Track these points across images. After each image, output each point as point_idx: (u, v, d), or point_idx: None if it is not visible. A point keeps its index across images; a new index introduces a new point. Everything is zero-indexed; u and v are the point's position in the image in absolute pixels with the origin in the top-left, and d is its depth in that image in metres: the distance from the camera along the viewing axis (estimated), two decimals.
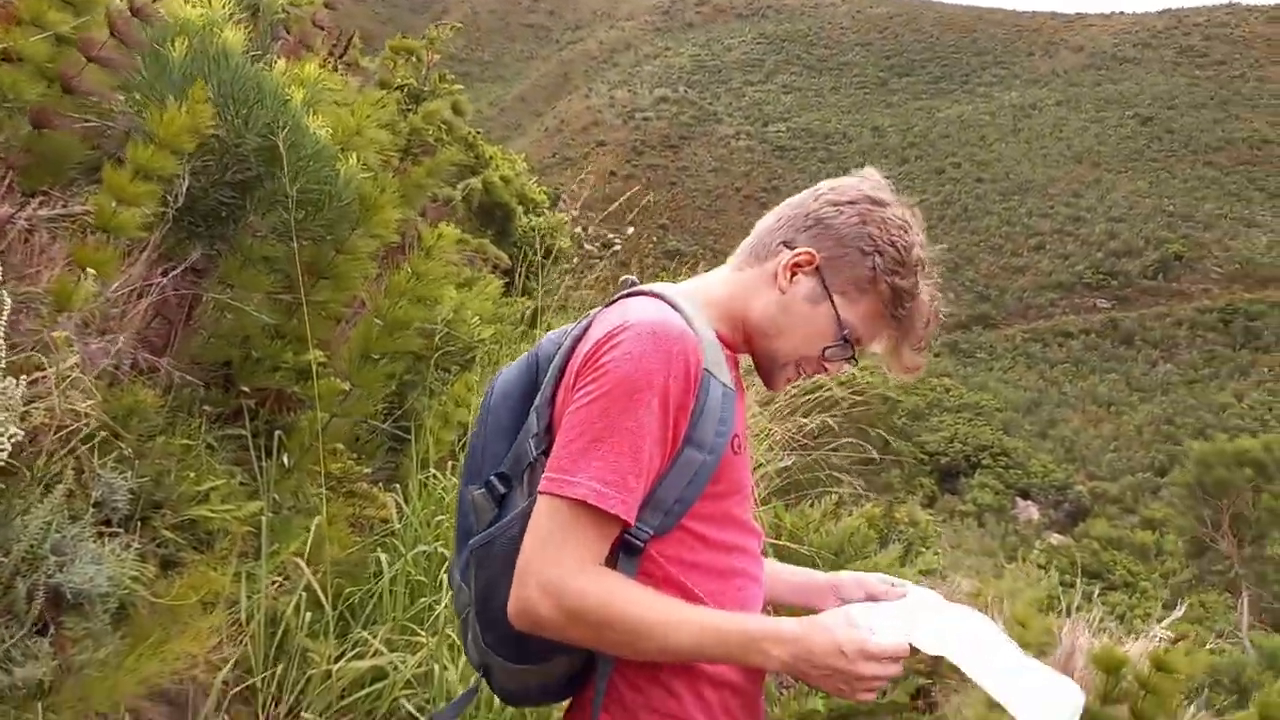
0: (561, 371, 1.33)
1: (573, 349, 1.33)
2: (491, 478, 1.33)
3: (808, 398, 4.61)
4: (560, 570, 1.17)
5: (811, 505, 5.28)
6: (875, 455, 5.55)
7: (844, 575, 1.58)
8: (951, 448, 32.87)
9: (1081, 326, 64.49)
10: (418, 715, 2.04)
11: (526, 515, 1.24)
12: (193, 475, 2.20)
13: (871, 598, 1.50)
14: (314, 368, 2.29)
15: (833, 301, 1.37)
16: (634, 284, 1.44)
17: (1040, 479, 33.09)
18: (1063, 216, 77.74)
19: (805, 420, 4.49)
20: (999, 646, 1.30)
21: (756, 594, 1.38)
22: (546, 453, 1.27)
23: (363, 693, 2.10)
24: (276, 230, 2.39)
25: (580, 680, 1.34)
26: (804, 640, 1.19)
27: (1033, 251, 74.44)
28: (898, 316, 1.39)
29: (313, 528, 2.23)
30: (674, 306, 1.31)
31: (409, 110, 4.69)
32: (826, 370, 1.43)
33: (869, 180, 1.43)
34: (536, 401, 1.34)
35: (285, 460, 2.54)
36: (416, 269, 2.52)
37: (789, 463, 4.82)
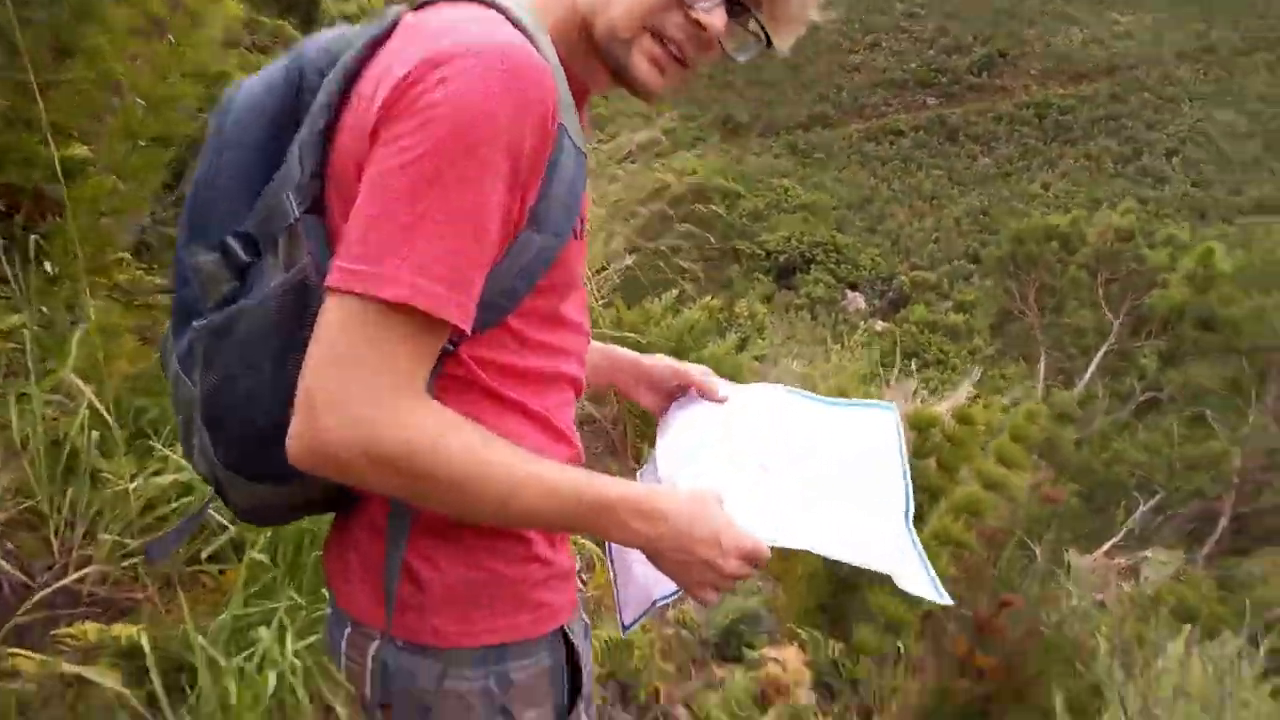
0: (343, 93, 0.94)
1: (365, 60, 0.94)
2: (229, 239, 0.97)
3: (648, 179, 4.51)
4: (374, 404, 0.85)
5: (653, 301, 5.33)
6: (716, 246, 5.59)
7: (657, 361, 1.38)
8: (789, 245, 34.00)
9: (911, 124, 66.54)
10: (229, 526, 1.93)
11: (284, 295, 0.93)
12: None
13: (684, 390, 1.38)
14: (56, 159, 1.96)
15: None
16: None
17: (869, 272, 35.02)
18: (899, 13, 78.08)
19: (643, 209, 4.41)
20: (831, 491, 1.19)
21: (573, 401, 1.13)
22: (313, 210, 0.94)
23: (168, 508, 1.96)
24: None
25: (354, 493, 1.02)
26: (676, 521, 0.99)
27: (868, 50, 74.92)
28: None
29: (74, 341, 1.98)
30: (514, 23, 0.93)
31: None
32: (701, 26, 1.00)
33: None
34: (301, 134, 0.95)
35: (50, 269, 2.24)
36: (181, 39, 2.16)
37: (630, 261, 4.79)
